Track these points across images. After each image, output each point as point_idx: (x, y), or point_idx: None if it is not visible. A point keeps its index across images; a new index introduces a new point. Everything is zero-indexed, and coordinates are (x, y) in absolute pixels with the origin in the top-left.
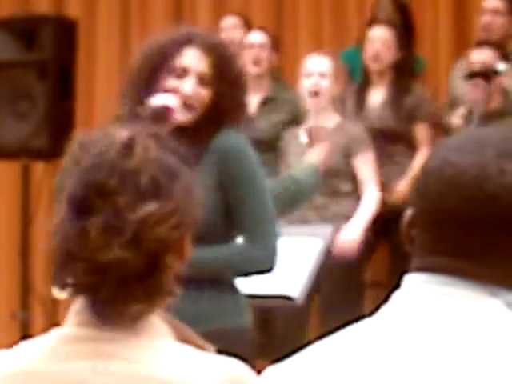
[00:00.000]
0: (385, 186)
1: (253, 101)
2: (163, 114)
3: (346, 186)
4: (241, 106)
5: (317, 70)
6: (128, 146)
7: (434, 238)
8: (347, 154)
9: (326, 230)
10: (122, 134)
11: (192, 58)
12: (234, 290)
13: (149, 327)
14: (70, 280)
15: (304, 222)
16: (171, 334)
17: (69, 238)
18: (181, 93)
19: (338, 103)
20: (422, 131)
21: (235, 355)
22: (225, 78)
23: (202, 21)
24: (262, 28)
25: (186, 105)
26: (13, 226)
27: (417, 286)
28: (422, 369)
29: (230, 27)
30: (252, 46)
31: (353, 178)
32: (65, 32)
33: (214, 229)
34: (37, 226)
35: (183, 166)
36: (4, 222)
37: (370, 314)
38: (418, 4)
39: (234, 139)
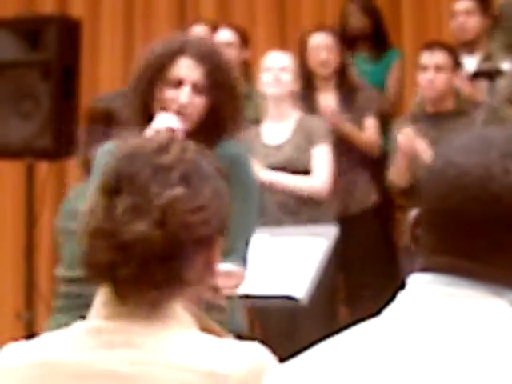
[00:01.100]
0: (348, 193)
1: None
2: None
3: None
4: (238, 113)
5: (277, 65)
6: (165, 145)
7: (439, 238)
8: (308, 149)
9: (331, 229)
10: (162, 135)
11: (186, 68)
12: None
13: (173, 316)
14: (93, 259)
15: (279, 224)
16: (194, 323)
17: (97, 216)
18: (177, 103)
19: (298, 100)
20: (369, 122)
21: None
22: (220, 86)
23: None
24: (229, 26)
25: (182, 114)
26: (17, 226)
27: (421, 286)
28: (428, 369)
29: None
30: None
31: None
32: (69, 32)
33: None
34: (41, 226)
35: (219, 176)
36: (8, 221)
37: (376, 313)
38: None
39: (236, 149)
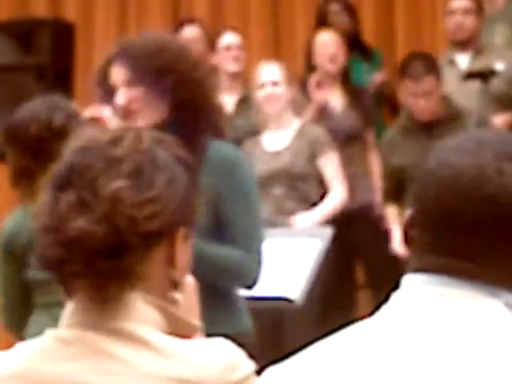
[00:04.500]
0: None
1: (229, 100)
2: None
3: (314, 191)
4: (207, 100)
5: (269, 79)
6: (119, 137)
7: (433, 239)
8: (311, 157)
9: (326, 231)
10: (118, 126)
11: (116, 75)
12: (231, 295)
13: (138, 318)
14: (43, 254)
15: (273, 226)
16: (159, 319)
17: (45, 211)
18: (118, 108)
19: (297, 106)
20: (372, 133)
21: None
22: (158, 70)
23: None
24: (233, 29)
25: (130, 113)
26: None
27: (415, 287)
28: (421, 370)
29: (192, 39)
30: (230, 47)
31: (321, 183)
32: (62, 35)
33: (206, 240)
34: None
35: (180, 168)
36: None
37: (369, 314)
38: None
39: (226, 151)
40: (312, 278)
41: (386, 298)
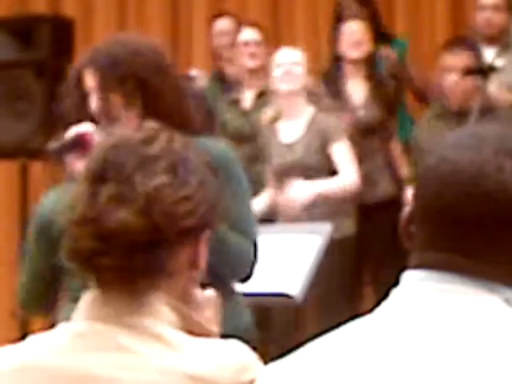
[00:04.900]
0: (368, 180)
1: (249, 95)
2: (79, 143)
3: None
4: (175, 107)
5: (288, 60)
6: (152, 136)
7: (433, 235)
8: (323, 147)
9: (325, 227)
10: (149, 125)
11: (88, 81)
12: (230, 292)
13: (156, 316)
14: (76, 247)
15: (295, 221)
16: (175, 321)
17: (80, 204)
18: (95, 114)
19: (312, 95)
20: (394, 123)
21: None
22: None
23: (199, 19)
24: (254, 24)
25: (107, 119)
26: (11, 226)
27: (415, 283)
28: (422, 366)
29: (223, 31)
30: (247, 43)
31: (334, 173)
32: (62, 31)
33: None
34: None
35: (206, 169)
36: (2, 221)
37: (370, 310)
38: None
39: (214, 147)
40: (313, 274)
41: (386, 295)
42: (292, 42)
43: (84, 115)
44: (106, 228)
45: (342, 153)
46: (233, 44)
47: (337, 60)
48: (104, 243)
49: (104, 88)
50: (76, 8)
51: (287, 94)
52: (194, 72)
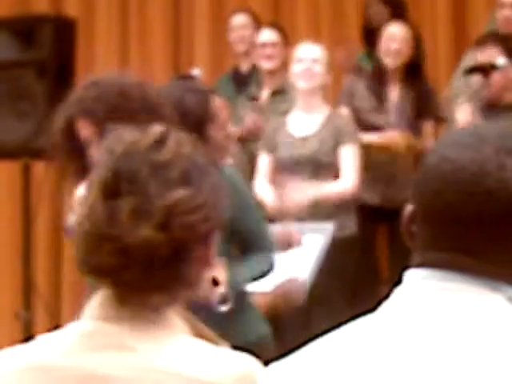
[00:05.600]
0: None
1: (265, 93)
2: None
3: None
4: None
5: (309, 56)
6: (161, 139)
7: (434, 234)
8: (335, 147)
9: (328, 226)
10: (156, 128)
11: (84, 131)
12: (247, 303)
13: (166, 322)
14: (95, 262)
15: (300, 220)
16: (187, 330)
17: (98, 219)
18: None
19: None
20: (428, 127)
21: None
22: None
23: (201, 18)
24: (272, 25)
25: None
26: (14, 226)
27: (417, 282)
28: (424, 364)
29: (239, 26)
30: (265, 44)
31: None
32: (64, 31)
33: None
34: (38, 226)
35: (214, 169)
36: (5, 221)
37: (372, 309)
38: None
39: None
40: (314, 274)
41: (388, 294)
42: (293, 40)
43: (82, 165)
44: (127, 244)
45: (349, 156)
46: (247, 38)
47: (379, 65)
48: (125, 259)
49: (101, 135)
50: (78, 8)
51: (305, 91)
52: (195, 71)
